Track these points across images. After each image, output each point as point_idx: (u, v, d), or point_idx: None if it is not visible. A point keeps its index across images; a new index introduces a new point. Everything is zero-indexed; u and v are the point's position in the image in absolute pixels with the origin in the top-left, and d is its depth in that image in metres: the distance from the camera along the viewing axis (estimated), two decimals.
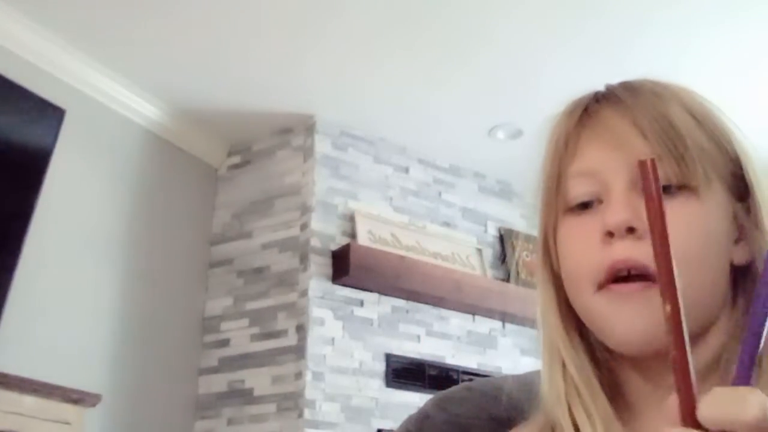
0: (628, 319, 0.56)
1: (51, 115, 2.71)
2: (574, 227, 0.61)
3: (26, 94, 2.64)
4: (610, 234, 0.57)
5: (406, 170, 3.58)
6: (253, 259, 3.31)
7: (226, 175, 3.56)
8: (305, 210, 3.24)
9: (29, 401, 2.23)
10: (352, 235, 3.25)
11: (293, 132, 3.42)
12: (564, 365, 0.60)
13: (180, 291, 3.27)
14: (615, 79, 0.66)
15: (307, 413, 2.90)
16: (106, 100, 3.08)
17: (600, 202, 0.60)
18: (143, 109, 3.20)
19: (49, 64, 2.84)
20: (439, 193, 3.66)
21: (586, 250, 0.59)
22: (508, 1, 2.65)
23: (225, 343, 3.24)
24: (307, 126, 3.38)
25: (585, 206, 0.61)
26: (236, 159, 3.55)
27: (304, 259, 3.15)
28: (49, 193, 2.66)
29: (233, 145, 3.55)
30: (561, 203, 0.62)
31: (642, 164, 0.42)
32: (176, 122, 3.34)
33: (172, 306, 3.21)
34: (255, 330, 3.18)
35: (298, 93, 3.20)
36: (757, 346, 0.40)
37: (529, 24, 2.75)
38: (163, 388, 3.08)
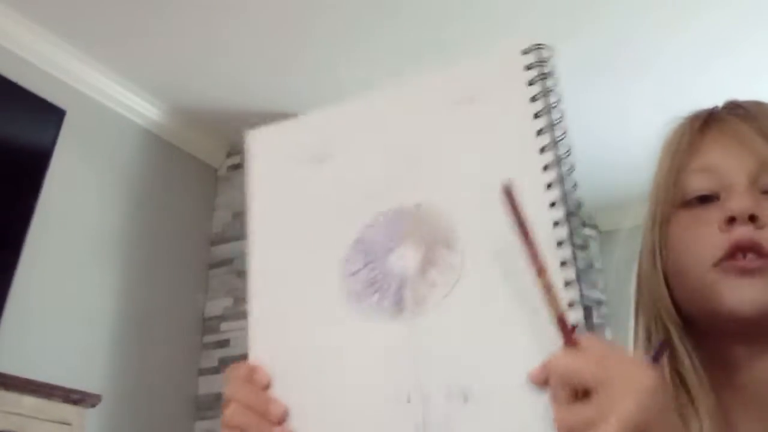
0: (743, 289, 0.60)
1: (51, 115, 2.71)
2: (690, 218, 0.65)
3: (26, 94, 2.64)
4: (731, 220, 0.61)
5: None
6: None
7: (226, 175, 3.56)
8: None
9: (29, 401, 2.23)
10: None
11: None
12: (670, 354, 0.64)
13: (180, 291, 3.27)
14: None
15: None
16: (106, 100, 3.08)
17: (717, 198, 0.64)
18: (143, 109, 3.20)
19: (49, 64, 2.83)
20: None
21: (704, 235, 0.63)
22: (511, 3, 2.65)
23: (225, 343, 3.24)
24: None
25: (702, 201, 0.65)
26: (236, 159, 3.54)
27: None
28: (49, 193, 2.66)
29: (233, 145, 3.55)
30: (677, 197, 0.66)
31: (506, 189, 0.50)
32: (176, 122, 3.34)
33: (172, 306, 3.21)
34: None
35: (298, 93, 3.20)
36: None
37: (530, 25, 2.75)
38: (163, 388, 3.08)
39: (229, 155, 3.57)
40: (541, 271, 0.49)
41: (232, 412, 0.54)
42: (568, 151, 0.53)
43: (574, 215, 0.52)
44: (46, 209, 2.64)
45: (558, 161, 0.53)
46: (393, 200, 0.56)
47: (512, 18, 2.70)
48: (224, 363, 3.21)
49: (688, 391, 0.61)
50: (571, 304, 0.50)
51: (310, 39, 2.86)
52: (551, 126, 0.54)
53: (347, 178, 0.60)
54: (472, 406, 0.50)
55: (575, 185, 0.52)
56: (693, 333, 0.65)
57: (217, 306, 3.33)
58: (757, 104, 0.68)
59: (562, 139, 0.53)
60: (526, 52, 0.56)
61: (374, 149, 0.60)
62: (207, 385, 3.21)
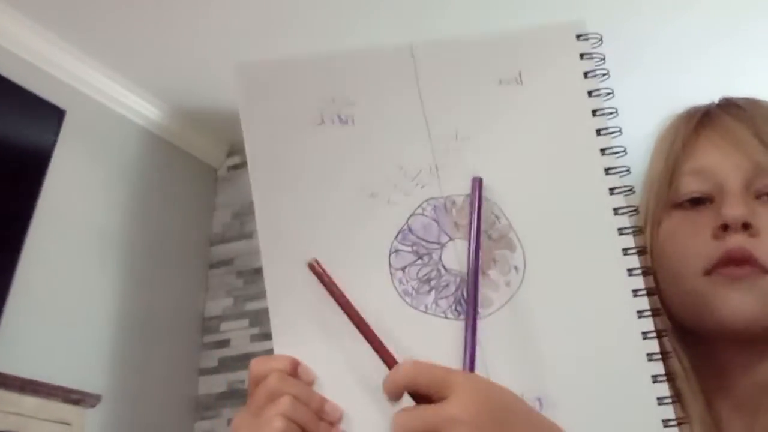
0: (734, 300, 0.59)
1: (51, 115, 2.71)
2: (683, 220, 0.64)
3: (26, 94, 2.64)
4: (724, 227, 0.60)
5: None
6: (253, 260, 3.31)
7: (226, 175, 3.56)
8: None
9: (29, 401, 2.23)
10: None
11: None
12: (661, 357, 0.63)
13: (180, 291, 3.27)
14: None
15: None
16: (106, 100, 3.08)
17: (711, 201, 0.62)
18: (143, 109, 3.20)
19: (49, 64, 2.83)
20: None
21: (696, 240, 0.61)
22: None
23: (225, 343, 3.24)
24: None
25: (695, 203, 0.63)
26: (236, 159, 3.55)
27: None
28: (49, 193, 2.66)
29: (233, 145, 3.55)
30: (669, 198, 0.65)
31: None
32: (176, 122, 3.34)
33: (172, 306, 3.21)
34: (255, 330, 3.18)
35: None
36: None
37: (516, 20, 2.75)
38: (163, 388, 3.08)
39: (229, 155, 3.57)
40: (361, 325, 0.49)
41: (289, 406, 0.51)
42: (619, 131, 0.53)
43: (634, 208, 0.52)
44: (46, 209, 2.64)
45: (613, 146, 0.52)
46: (441, 187, 0.52)
47: (495, 14, 2.71)
48: (224, 363, 3.21)
49: (678, 395, 0.60)
50: (635, 292, 0.50)
51: (311, 39, 2.86)
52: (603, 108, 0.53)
53: (378, 148, 0.53)
54: (548, 412, 0.48)
55: (629, 170, 0.53)
56: (684, 335, 0.64)
57: (217, 306, 3.33)
58: (753, 103, 0.66)
59: (615, 116, 0.53)
60: (578, 35, 0.56)
61: (411, 120, 0.53)
62: (207, 385, 3.21)
